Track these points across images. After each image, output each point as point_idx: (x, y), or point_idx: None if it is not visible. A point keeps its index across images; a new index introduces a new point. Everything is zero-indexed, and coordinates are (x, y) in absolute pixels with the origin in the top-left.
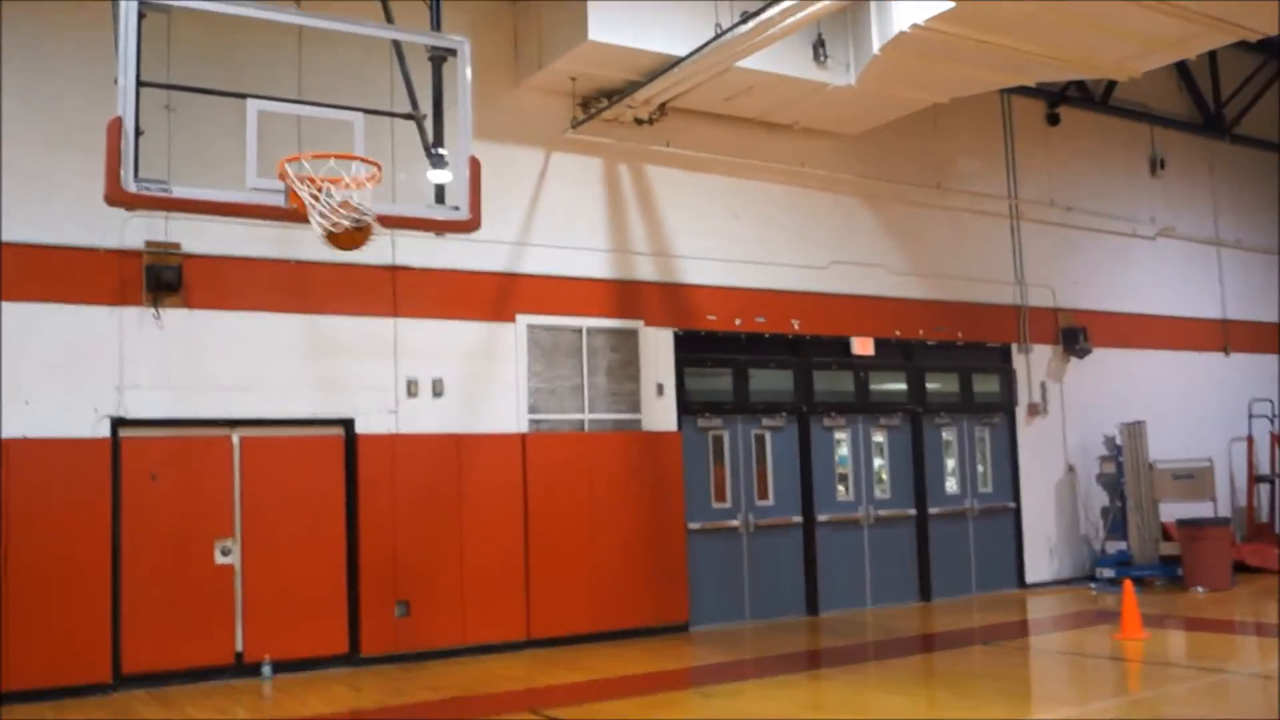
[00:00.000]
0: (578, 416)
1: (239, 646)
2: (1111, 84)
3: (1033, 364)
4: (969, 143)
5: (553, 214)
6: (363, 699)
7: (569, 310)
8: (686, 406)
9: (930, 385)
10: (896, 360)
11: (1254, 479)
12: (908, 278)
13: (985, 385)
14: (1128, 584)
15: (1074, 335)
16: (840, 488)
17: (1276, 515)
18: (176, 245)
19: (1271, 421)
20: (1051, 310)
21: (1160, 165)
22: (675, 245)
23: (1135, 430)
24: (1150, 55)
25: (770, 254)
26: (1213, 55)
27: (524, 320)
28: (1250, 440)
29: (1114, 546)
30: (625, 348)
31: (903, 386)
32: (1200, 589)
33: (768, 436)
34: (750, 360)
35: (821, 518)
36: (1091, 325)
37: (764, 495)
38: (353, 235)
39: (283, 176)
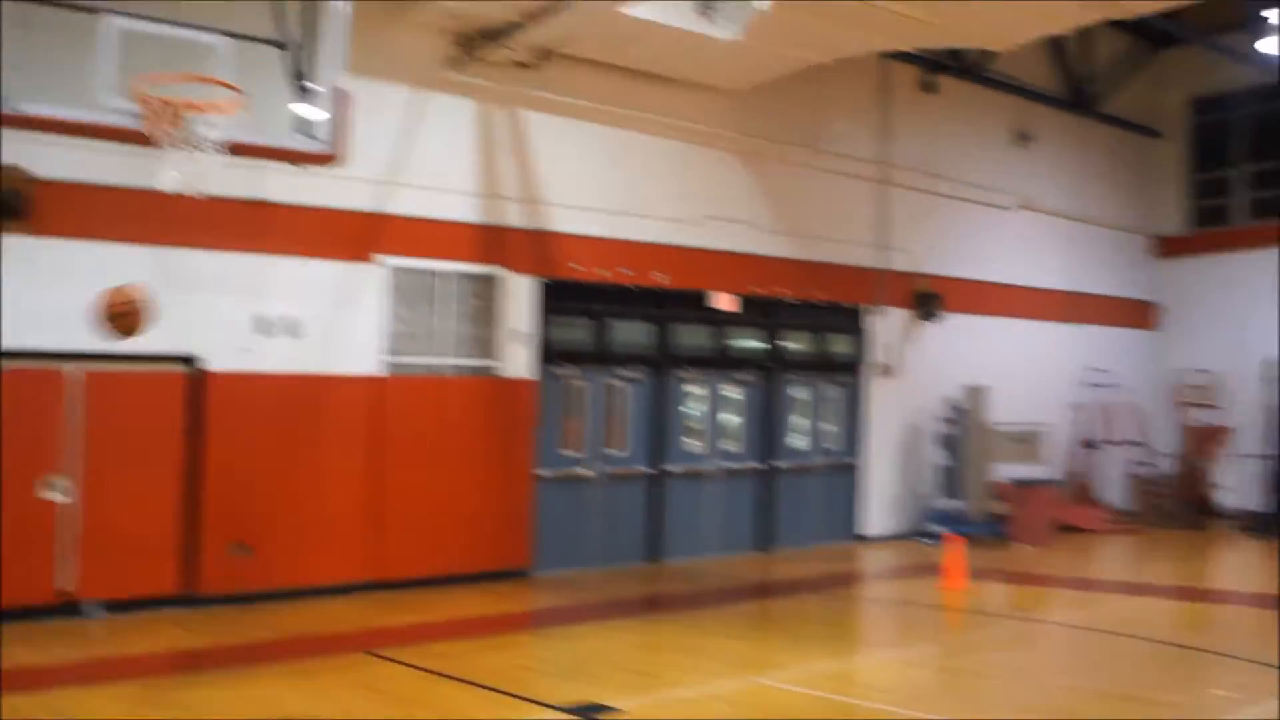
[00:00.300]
0: (437, 361)
1: (69, 586)
2: (988, 56)
3: (887, 326)
4: (846, 105)
5: (423, 155)
6: (195, 639)
7: (434, 254)
8: (547, 355)
9: (786, 343)
10: (756, 317)
11: (1083, 444)
12: (775, 236)
13: (840, 345)
14: (954, 538)
15: (929, 300)
16: (692, 440)
17: (1113, 480)
18: (20, 169)
19: (1104, 390)
20: (910, 275)
21: (1028, 139)
22: (547, 193)
23: (977, 394)
24: (1029, 27)
25: (643, 206)
26: (1086, 34)
27: (387, 262)
28: (1082, 408)
29: (948, 504)
30: (488, 294)
31: (760, 344)
32: (1023, 545)
33: (625, 388)
34: (613, 311)
35: (672, 469)
36: (947, 291)
37: (617, 445)
38: (129, 322)
39: (136, 98)
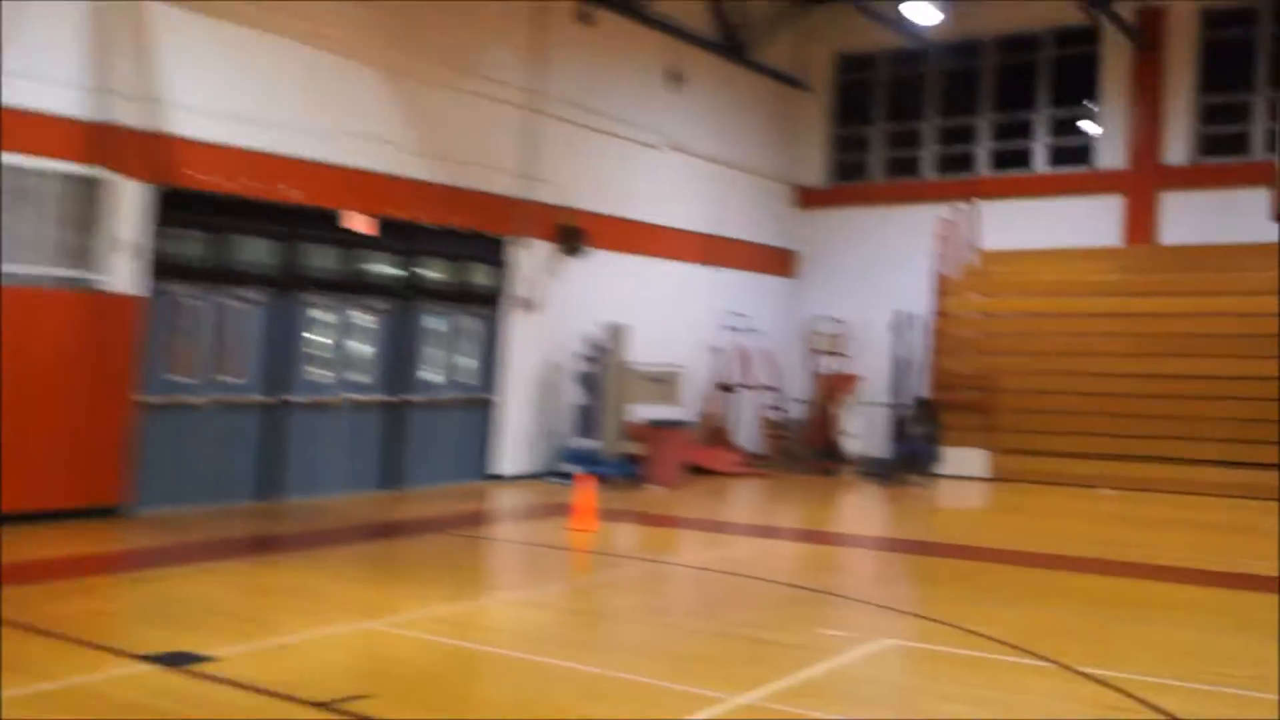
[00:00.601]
0: (25, 270)
1: None
2: None
3: (530, 259)
4: (499, 30)
5: (21, 38)
6: None
7: (28, 149)
8: (157, 270)
9: (425, 271)
10: (392, 242)
11: (719, 387)
12: (417, 157)
13: (480, 276)
14: (583, 478)
15: (573, 235)
16: (319, 369)
17: (747, 423)
18: None
19: (742, 335)
20: (555, 208)
21: (680, 80)
22: (168, 93)
23: (617, 332)
24: None
25: (276, 116)
26: None
27: None
28: (719, 351)
29: (584, 443)
30: (91, 198)
31: (396, 270)
32: (655, 486)
33: (245, 309)
34: (235, 226)
35: (294, 399)
36: (593, 227)
37: (233, 371)
38: None
39: None
